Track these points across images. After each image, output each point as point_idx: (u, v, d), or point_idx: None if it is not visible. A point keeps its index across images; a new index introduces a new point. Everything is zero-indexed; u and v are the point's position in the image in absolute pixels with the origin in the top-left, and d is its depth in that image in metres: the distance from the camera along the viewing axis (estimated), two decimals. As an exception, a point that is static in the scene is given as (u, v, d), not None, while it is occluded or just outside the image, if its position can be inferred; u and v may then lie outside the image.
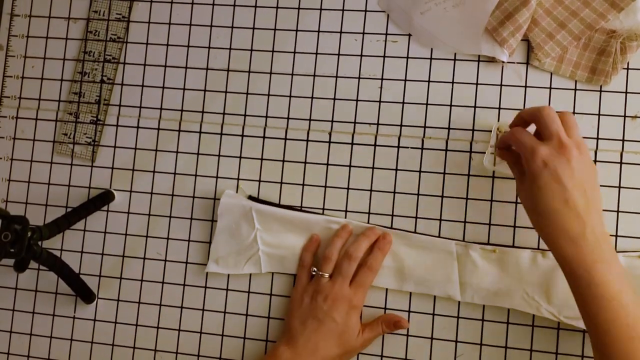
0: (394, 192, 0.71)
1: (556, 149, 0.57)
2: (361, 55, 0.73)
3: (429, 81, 0.71)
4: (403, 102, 0.72)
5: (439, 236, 0.69)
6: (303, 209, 0.72)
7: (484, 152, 0.69)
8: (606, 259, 0.56)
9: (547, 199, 0.56)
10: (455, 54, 0.71)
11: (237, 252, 0.71)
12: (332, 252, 0.68)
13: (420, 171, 0.70)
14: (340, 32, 0.73)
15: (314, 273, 0.69)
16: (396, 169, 0.71)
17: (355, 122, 0.72)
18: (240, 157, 0.74)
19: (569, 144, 0.57)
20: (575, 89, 0.69)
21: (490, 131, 0.69)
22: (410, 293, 0.69)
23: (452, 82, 0.71)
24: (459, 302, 0.68)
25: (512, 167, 0.64)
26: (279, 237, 0.71)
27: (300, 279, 0.70)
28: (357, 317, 0.67)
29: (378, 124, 0.72)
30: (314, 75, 0.73)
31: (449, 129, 0.71)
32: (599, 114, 0.68)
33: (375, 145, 0.72)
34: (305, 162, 0.73)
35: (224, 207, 0.71)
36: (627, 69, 0.68)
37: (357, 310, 0.67)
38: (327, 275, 0.68)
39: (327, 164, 0.72)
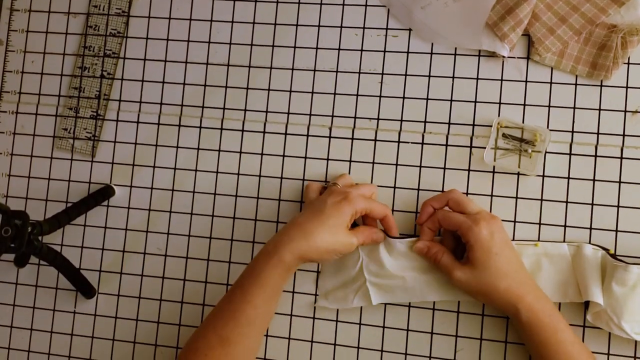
0: (394, 187, 0.71)
1: (490, 220, 0.62)
2: (361, 50, 0.73)
3: (429, 76, 0.71)
4: (403, 97, 0.72)
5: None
6: (304, 203, 0.72)
7: (485, 148, 0.69)
8: (554, 306, 0.62)
9: (507, 263, 0.62)
10: (455, 48, 0.71)
11: (343, 284, 0.69)
12: (344, 178, 0.70)
13: (420, 166, 0.70)
14: (341, 27, 0.73)
15: (325, 185, 0.69)
16: (396, 164, 0.71)
17: (355, 117, 0.72)
18: (241, 152, 0.74)
19: (493, 214, 0.64)
20: (576, 84, 0.69)
21: (491, 126, 0.69)
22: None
23: (453, 77, 0.71)
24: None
25: (441, 256, 0.65)
26: (385, 265, 0.67)
27: (309, 188, 0.69)
28: (349, 210, 0.64)
29: (378, 118, 0.72)
30: (314, 70, 0.73)
31: (449, 123, 0.71)
32: (599, 109, 0.68)
33: (375, 140, 0.72)
34: (305, 157, 0.73)
35: None
36: (628, 63, 0.68)
37: (349, 201, 0.64)
38: (339, 184, 0.68)
39: (328, 159, 0.72)
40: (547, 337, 0.60)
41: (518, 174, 0.68)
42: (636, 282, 0.62)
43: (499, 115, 0.69)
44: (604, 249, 0.65)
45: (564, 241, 0.67)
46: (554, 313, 0.61)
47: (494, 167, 0.69)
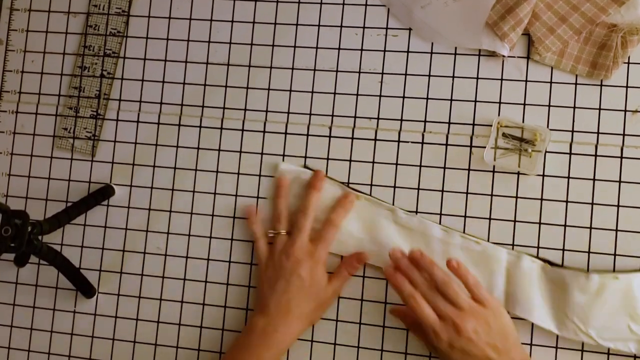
0: (394, 187, 0.71)
1: (454, 332, 0.60)
2: (361, 50, 0.73)
3: (429, 75, 0.71)
4: (403, 97, 0.72)
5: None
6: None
7: (485, 147, 0.69)
8: None
9: None
10: (455, 48, 0.71)
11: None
12: (279, 209, 0.69)
13: (420, 165, 0.70)
14: (341, 26, 0.73)
15: (271, 235, 0.69)
16: (396, 164, 0.71)
17: (355, 117, 0.72)
18: (241, 152, 0.74)
19: (462, 322, 0.60)
20: (576, 84, 0.69)
21: (491, 125, 0.69)
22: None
23: (453, 77, 0.71)
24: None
25: (413, 330, 0.66)
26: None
27: (258, 249, 0.70)
28: (322, 270, 0.67)
29: (378, 118, 0.72)
30: (314, 70, 0.73)
31: (449, 123, 0.70)
32: (599, 109, 0.68)
33: (375, 139, 0.72)
34: (305, 157, 0.73)
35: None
36: (628, 63, 0.68)
37: (321, 264, 0.67)
38: (283, 232, 0.68)
39: (328, 159, 0.72)
40: None
41: (518, 173, 0.68)
42: (599, 288, 0.63)
43: (499, 115, 0.69)
44: (542, 260, 0.66)
45: (562, 248, 0.67)
46: None
47: (494, 166, 0.69)
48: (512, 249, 0.68)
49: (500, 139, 0.69)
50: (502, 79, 0.70)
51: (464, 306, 0.61)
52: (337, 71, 0.73)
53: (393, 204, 0.70)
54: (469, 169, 0.70)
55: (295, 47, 0.74)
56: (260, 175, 0.73)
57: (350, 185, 0.71)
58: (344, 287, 0.69)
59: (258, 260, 0.70)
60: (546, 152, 0.68)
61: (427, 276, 0.63)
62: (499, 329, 0.61)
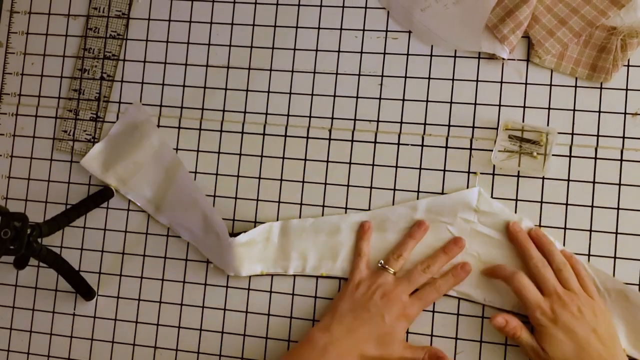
0: (394, 190, 0.71)
1: (560, 304, 0.60)
2: (361, 52, 0.73)
3: (429, 78, 0.71)
4: (403, 99, 0.72)
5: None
6: (303, 205, 0.72)
7: (484, 150, 0.69)
8: None
9: (566, 349, 0.59)
10: (455, 51, 0.71)
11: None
12: (405, 251, 0.67)
13: (420, 168, 0.70)
14: (341, 29, 0.73)
15: (380, 265, 0.68)
16: (396, 166, 0.71)
17: (355, 119, 0.72)
18: (240, 154, 0.74)
19: (570, 299, 0.61)
20: (576, 86, 0.69)
21: (492, 128, 0.69)
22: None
23: (453, 79, 0.71)
24: (459, 299, 0.68)
25: (518, 335, 0.63)
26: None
27: (358, 267, 0.68)
28: (405, 327, 0.66)
29: (378, 121, 0.72)
30: (314, 72, 0.73)
31: (449, 126, 0.70)
32: (599, 111, 0.68)
33: (375, 142, 0.72)
34: (305, 159, 0.73)
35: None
36: (628, 66, 0.68)
37: (408, 320, 0.66)
38: (392, 272, 0.67)
39: (327, 161, 0.72)
40: None
41: (518, 175, 0.68)
42: None
43: (498, 117, 0.69)
44: None
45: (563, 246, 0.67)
46: None
47: (493, 169, 0.69)
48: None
49: (506, 141, 0.69)
50: (501, 82, 0.70)
51: (575, 289, 0.62)
52: (337, 74, 0.73)
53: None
54: (468, 172, 0.69)
55: (295, 49, 0.74)
56: (260, 178, 0.73)
57: (350, 186, 0.71)
58: None
59: (353, 276, 0.68)
60: (546, 154, 0.68)
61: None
62: (605, 322, 0.61)
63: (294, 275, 0.71)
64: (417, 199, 0.70)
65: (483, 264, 0.67)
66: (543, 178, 0.68)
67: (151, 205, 0.74)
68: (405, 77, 0.72)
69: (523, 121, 0.69)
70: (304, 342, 0.65)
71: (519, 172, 0.68)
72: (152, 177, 0.74)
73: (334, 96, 0.73)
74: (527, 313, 0.62)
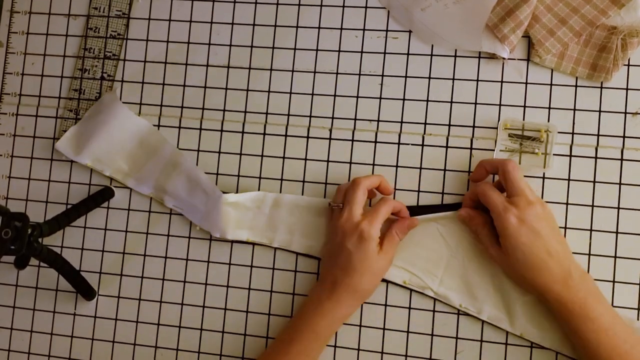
0: (395, 189, 0.71)
1: (524, 207, 0.61)
2: (362, 52, 0.73)
3: (429, 78, 0.71)
4: (403, 99, 0.72)
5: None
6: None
7: (485, 149, 0.69)
8: (593, 292, 0.61)
9: (533, 254, 0.60)
10: (455, 50, 0.71)
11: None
12: (344, 184, 0.68)
13: (420, 168, 0.70)
14: (341, 29, 0.73)
15: (334, 206, 0.68)
16: (397, 166, 0.71)
17: (355, 119, 0.72)
18: (241, 154, 0.74)
19: (535, 200, 0.61)
20: (576, 86, 0.69)
21: (493, 128, 0.69)
22: (410, 290, 0.69)
23: (453, 79, 0.71)
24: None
25: (481, 229, 0.65)
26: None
27: (327, 221, 0.70)
28: (371, 245, 0.64)
29: (378, 120, 0.72)
30: (315, 72, 0.73)
31: (449, 125, 0.70)
32: (599, 111, 0.68)
33: (375, 142, 0.72)
34: (305, 159, 0.73)
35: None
36: (628, 65, 0.68)
37: (368, 239, 0.64)
38: (340, 205, 0.67)
39: (328, 161, 0.72)
40: (578, 325, 0.60)
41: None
42: None
43: (499, 117, 0.69)
44: None
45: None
46: (587, 302, 0.60)
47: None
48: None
49: (507, 140, 0.69)
50: (502, 81, 0.70)
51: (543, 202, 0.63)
52: (337, 73, 0.73)
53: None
54: (469, 171, 0.70)
55: (295, 49, 0.74)
56: (260, 178, 0.73)
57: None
58: (395, 251, 0.67)
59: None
60: (546, 154, 0.68)
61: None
62: (557, 227, 0.63)
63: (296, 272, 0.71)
64: (418, 198, 0.70)
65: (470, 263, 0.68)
66: (543, 177, 0.68)
67: (130, 178, 0.74)
68: (406, 76, 0.72)
69: (524, 120, 0.69)
70: (305, 299, 0.68)
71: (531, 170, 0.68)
72: (127, 150, 0.74)
73: (335, 96, 0.73)
74: (494, 216, 0.62)
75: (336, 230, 0.66)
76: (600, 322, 0.59)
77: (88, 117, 0.76)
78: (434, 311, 0.69)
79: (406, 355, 0.69)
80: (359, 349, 0.69)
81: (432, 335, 0.68)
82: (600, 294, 0.62)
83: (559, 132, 0.68)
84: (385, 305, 0.69)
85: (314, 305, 0.66)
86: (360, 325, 0.70)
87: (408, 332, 0.69)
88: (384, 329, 0.69)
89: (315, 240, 0.71)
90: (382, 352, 0.69)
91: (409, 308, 0.69)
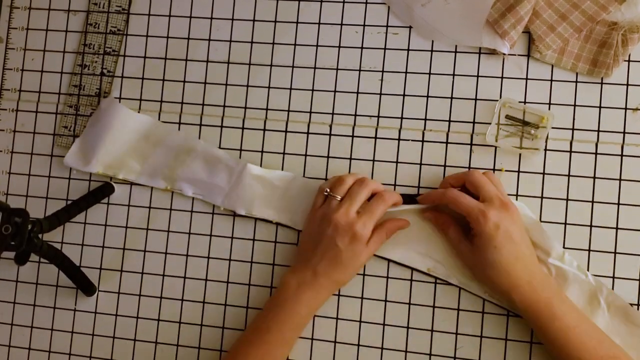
0: (395, 185, 0.71)
1: (501, 210, 0.62)
2: (362, 48, 0.73)
3: (429, 73, 0.71)
4: (404, 95, 0.72)
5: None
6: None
7: (485, 145, 0.69)
8: (557, 292, 0.62)
9: (503, 257, 0.62)
10: (456, 46, 0.71)
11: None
12: (347, 177, 0.68)
13: (420, 164, 0.70)
14: (341, 24, 0.73)
15: (325, 194, 0.68)
16: (397, 162, 0.71)
17: (355, 115, 0.72)
18: (241, 150, 0.74)
19: (508, 203, 0.63)
20: (577, 81, 0.69)
21: (490, 124, 0.69)
22: (411, 285, 0.69)
23: (453, 75, 0.71)
24: (459, 294, 0.68)
25: (446, 229, 0.66)
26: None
27: (315, 203, 0.69)
28: (361, 245, 0.65)
29: (379, 116, 0.72)
30: (315, 68, 0.73)
31: (449, 121, 0.70)
32: (599, 107, 0.68)
33: (375, 137, 0.72)
34: (305, 155, 0.73)
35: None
36: (629, 61, 0.68)
37: (361, 240, 0.65)
38: (338, 197, 0.66)
39: (328, 157, 0.72)
40: (544, 324, 0.61)
41: (518, 171, 0.68)
42: None
43: (499, 113, 0.69)
44: None
45: (563, 246, 0.67)
46: (552, 301, 0.61)
47: (494, 165, 0.69)
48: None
49: (503, 123, 0.69)
50: (502, 77, 0.70)
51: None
52: (337, 69, 0.73)
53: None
54: (469, 167, 0.69)
55: (295, 45, 0.74)
56: (260, 174, 0.73)
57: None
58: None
59: (310, 211, 0.69)
60: (546, 150, 0.68)
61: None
62: (524, 230, 0.64)
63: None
64: (418, 194, 0.70)
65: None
66: (543, 173, 0.68)
67: (144, 176, 0.74)
68: (406, 72, 0.72)
69: (524, 116, 0.69)
70: (280, 288, 0.68)
71: (519, 169, 0.68)
72: (135, 148, 0.74)
73: (335, 92, 0.73)
74: (471, 219, 0.63)
75: (327, 221, 0.65)
76: (566, 320, 0.61)
77: (90, 127, 0.75)
78: (433, 307, 0.69)
79: (406, 351, 0.69)
80: (358, 344, 0.70)
81: (431, 330, 0.69)
82: (564, 294, 0.63)
83: (559, 128, 0.68)
84: (385, 301, 0.70)
85: (292, 293, 0.66)
86: (360, 321, 0.70)
87: (408, 327, 0.69)
88: (383, 324, 0.69)
89: None
90: (382, 348, 0.69)
91: (409, 304, 0.69)
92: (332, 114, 0.73)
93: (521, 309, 0.63)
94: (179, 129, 0.75)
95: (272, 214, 0.71)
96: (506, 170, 0.68)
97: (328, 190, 0.67)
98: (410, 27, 0.72)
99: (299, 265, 0.68)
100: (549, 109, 0.69)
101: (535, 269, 0.63)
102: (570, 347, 0.60)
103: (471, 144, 0.70)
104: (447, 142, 0.70)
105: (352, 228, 0.64)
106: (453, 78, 0.71)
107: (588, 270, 0.66)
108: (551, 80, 0.69)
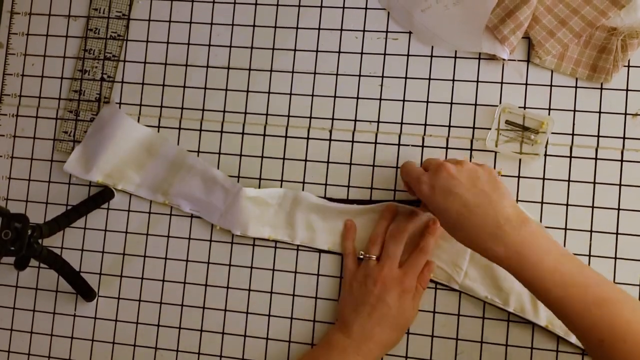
0: (394, 190, 0.71)
1: (435, 171, 0.60)
2: (362, 53, 0.73)
3: (429, 79, 0.71)
4: (404, 100, 0.72)
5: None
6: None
7: (485, 151, 0.69)
8: (528, 239, 0.55)
9: (449, 211, 0.58)
10: (455, 51, 0.71)
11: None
12: (378, 234, 0.68)
13: (420, 169, 0.70)
14: (341, 30, 0.73)
15: (361, 257, 0.68)
16: (397, 167, 0.71)
17: (355, 120, 0.72)
18: (241, 155, 0.74)
19: (444, 163, 0.60)
20: (576, 87, 0.69)
21: (490, 129, 0.69)
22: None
23: (453, 80, 0.71)
24: (459, 299, 0.68)
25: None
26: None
27: (347, 266, 0.69)
28: (409, 300, 0.66)
29: (379, 121, 0.72)
30: (315, 73, 0.73)
31: (449, 126, 0.70)
32: (599, 112, 0.68)
33: (375, 143, 0.72)
34: (305, 160, 0.73)
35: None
36: (628, 66, 0.68)
37: (409, 292, 0.66)
38: (374, 257, 0.67)
39: (328, 162, 0.72)
40: (528, 280, 0.55)
41: (518, 176, 0.68)
42: None
43: (499, 118, 0.69)
44: None
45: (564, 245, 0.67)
46: (522, 251, 0.55)
47: (494, 167, 0.69)
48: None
49: (502, 129, 0.69)
50: (502, 82, 0.70)
51: (463, 161, 0.60)
52: (337, 74, 0.73)
53: (393, 208, 0.70)
54: (469, 172, 0.69)
55: (295, 50, 0.74)
56: (260, 179, 0.73)
57: (350, 187, 0.71)
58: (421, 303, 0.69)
59: (344, 276, 0.69)
60: (546, 155, 0.68)
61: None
62: (484, 177, 0.59)
63: (295, 273, 0.71)
64: (419, 203, 0.70)
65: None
66: (543, 179, 0.68)
67: (143, 188, 0.74)
68: (406, 77, 0.72)
69: (523, 122, 0.69)
70: (324, 343, 0.67)
71: (519, 174, 0.68)
72: (136, 160, 0.74)
73: (335, 97, 0.73)
74: (415, 191, 0.62)
75: (372, 280, 0.66)
76: (544, 265, 0.54)
77: (91, 134, 0.75)
78: (434, 312, 0.69)
79: (406, 357, 0.69)
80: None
81: (432, 336, 0.68)
82: (542, 236, 0.56)
83: (559, 134, 0.68)
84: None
85: (339, 356, 0.65)
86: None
87: (408, 333, 0.69)
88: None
89: (338, 237, 0.71)
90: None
91: (409, 309, 0.69)
92: (332, 119, 0.73)
93: (504, 269, 0.57)
94: (179, 134, 0.75)
95: (268, 231, 0.71)
96: (506, 175, 0.68)
97: (362, 252, 0.69)
98: (410, 33, 0.72)
99: (346, 326, 0.66)
100: (549, 114, 0.69)
101: (499, 216, 0.56)
102: (552, 297, 0.54)
103: (471, 149, 0.70)
104: (447, 147, 0.70)
105: (401, 282, 0.65)
106: (453, 83, 0.71)
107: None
108: (551, 86, 0.69)
